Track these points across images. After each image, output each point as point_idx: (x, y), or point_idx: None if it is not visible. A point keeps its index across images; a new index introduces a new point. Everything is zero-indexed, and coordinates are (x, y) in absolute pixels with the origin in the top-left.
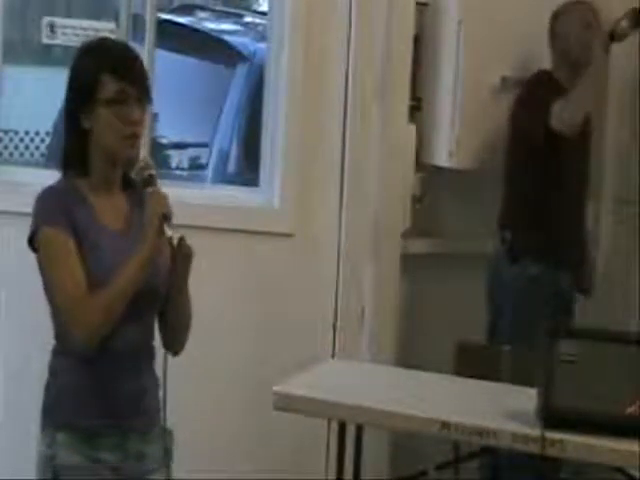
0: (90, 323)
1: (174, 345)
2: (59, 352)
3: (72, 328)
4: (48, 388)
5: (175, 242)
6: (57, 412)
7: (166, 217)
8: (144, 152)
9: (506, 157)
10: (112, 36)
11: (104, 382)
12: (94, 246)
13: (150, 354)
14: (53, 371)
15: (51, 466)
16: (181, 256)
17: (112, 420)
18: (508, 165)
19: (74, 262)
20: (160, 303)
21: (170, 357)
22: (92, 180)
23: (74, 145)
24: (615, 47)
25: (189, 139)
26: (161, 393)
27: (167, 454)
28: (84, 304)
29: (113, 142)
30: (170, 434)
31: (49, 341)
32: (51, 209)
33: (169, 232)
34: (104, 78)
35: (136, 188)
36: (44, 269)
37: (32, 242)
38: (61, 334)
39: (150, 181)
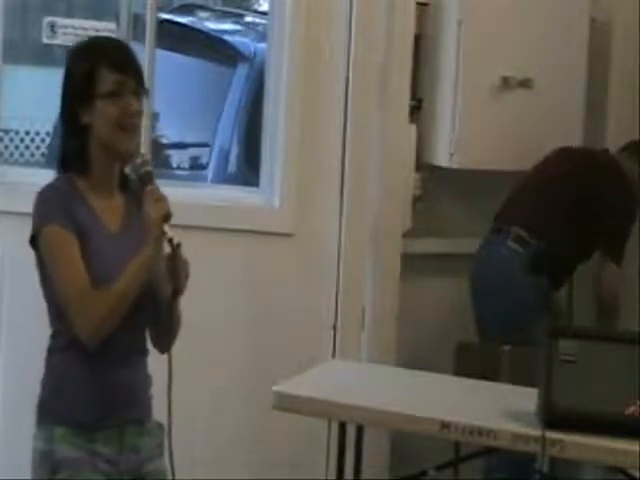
0: (95, 319)
1: (162, 344)
2: (54, 349)
3: (77, 323)
4: (44, 385)
5: (175, 243)
6: (54, 408)
7: (167, 218)
8: (145, 151)
9: (556, 175)
10: (112, 36)
11: (99, 377)
12: (94, 247)
13: (142, 350)
14: (49, 368)
15: (49, 461)
16: (180, 261)
17: (109, 414)
18: (556, 182)
19: (78, 258)
20: (153, 301)
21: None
22: (91, 179)
23: (74, 142)
24: (615, 42)
25: (189, 139)
26: (151, 390)
27: (160, 447)
28: (90, 300)
29: (113, 134)
30: (162, 428)
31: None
32: (53, 207)
33: (170, 233)
34: (101, 72)
35: (133, 188)
36: (48, 266)
37: (33, 241)
38: (60, 330)
39: (148, 178)
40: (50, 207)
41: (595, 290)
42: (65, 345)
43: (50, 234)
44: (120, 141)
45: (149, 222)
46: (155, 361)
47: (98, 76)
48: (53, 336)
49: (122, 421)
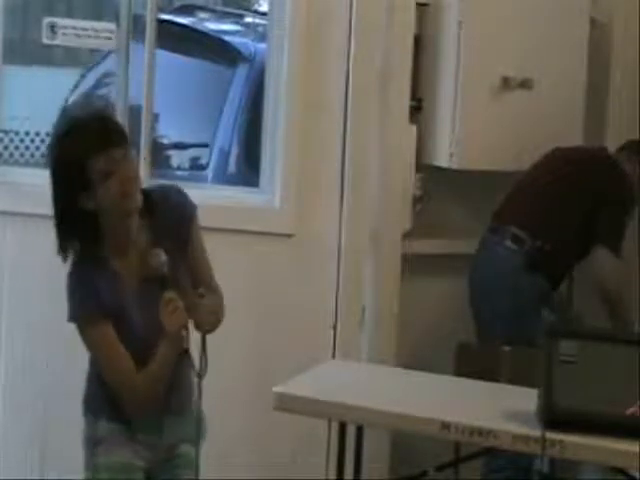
0: (136, 407)
1: (201, 328)
2: None
3: (126, 405)
4: (87, 379)
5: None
6: (95, 402)
7: (183, 328)
8: (145, 152)
9: (554, 174)
10: (112, 37)
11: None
12: (123, 312)
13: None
14: (91, 363)
15: (92, 440)
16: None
17: (147, 409)
18: (553, 182)
19: (116, 348)
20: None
21: None
22: (108, 244)
23: (81, 228)
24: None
25: (189, 139)
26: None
27: (198, 435)
28: (131, 392)
29: (119, 206)
30: (203, 418)
31: (50, 340)
32: (84, 296)
33: (186, 344)
34: (90, 160)
35: (156, 216)
36: (94, 356)
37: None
38: None
39: (164, 283)
40: (81, 297)
41: (598, 289)
42: None
43: (89, 330)
44: (126, 206)
45: (166, 332)
46: None
47: (88, 164)
48: None
49: (161, 412)
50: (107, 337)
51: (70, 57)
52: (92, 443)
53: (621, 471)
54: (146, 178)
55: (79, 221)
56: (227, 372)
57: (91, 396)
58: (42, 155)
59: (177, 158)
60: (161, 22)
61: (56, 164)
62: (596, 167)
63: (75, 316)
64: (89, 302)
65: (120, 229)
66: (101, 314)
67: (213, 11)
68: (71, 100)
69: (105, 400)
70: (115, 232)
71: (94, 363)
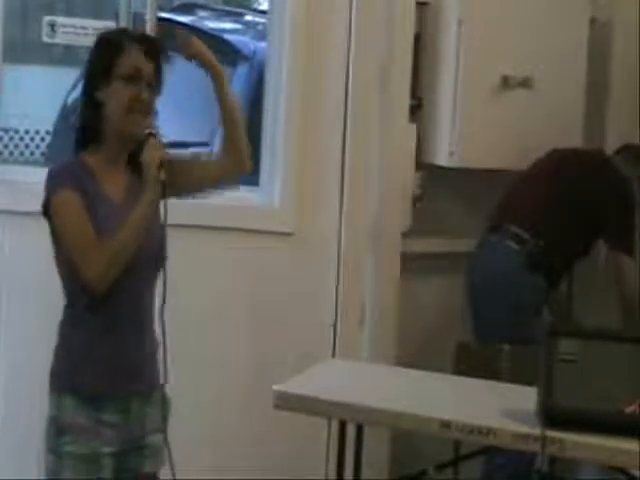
0: (100, 265)
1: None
2: (65, 320)
3: (84, 272)
4: (55, 354)
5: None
6: (62, 376)
7: (162, 164)
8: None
9: (552, 175)
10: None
11: (102, 349)
12: (99, 217)
13: (150, 315)
14: (60, 338)
15: (55, 425)
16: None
17: (112, 385)
18: (552, 182)
19: (85, 218)
20: (157, 264)
21: (169, 357)
22: (100, 154)
23: (88, 116)
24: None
25: (189, 138)
26: (160, 355)
27: (165, 420)
28: (95, 249)
29: (121, 117)
30: (168, 401)
31: (49, 340)
32: (62, 177)
33: (163, 176)
34: (124, 56)
35: (141, 165)
36: (58, 227)
37: (46, 211)
38: (71, 303)
39: (147, 138)
40: (60, 178)
41: (618, 290)
42: (75, 317)
43: (60, 198)
44: (126, 124)
45: (145, 167)
46: None
47: (120, 59)
48: (66, 307)
49: (127, 392)
50: (77, 211)
51: (70, 56)
52: (56, 427)
53: (621, 470)
54: None
55: (88, 110)
56: (227, 371)
57: (57, 371)
58: (41, 153)
59: None
60: (161, 20)
61: (95, 46)
62: (596, 169)
63: (50, 195)
64: (67, 183)
65: (114, 142)
66: (78, 194)
67: (213, 10)
68: (71, 98)
69: (71, 375)
70: (109, 143)
71: (62, 334)
